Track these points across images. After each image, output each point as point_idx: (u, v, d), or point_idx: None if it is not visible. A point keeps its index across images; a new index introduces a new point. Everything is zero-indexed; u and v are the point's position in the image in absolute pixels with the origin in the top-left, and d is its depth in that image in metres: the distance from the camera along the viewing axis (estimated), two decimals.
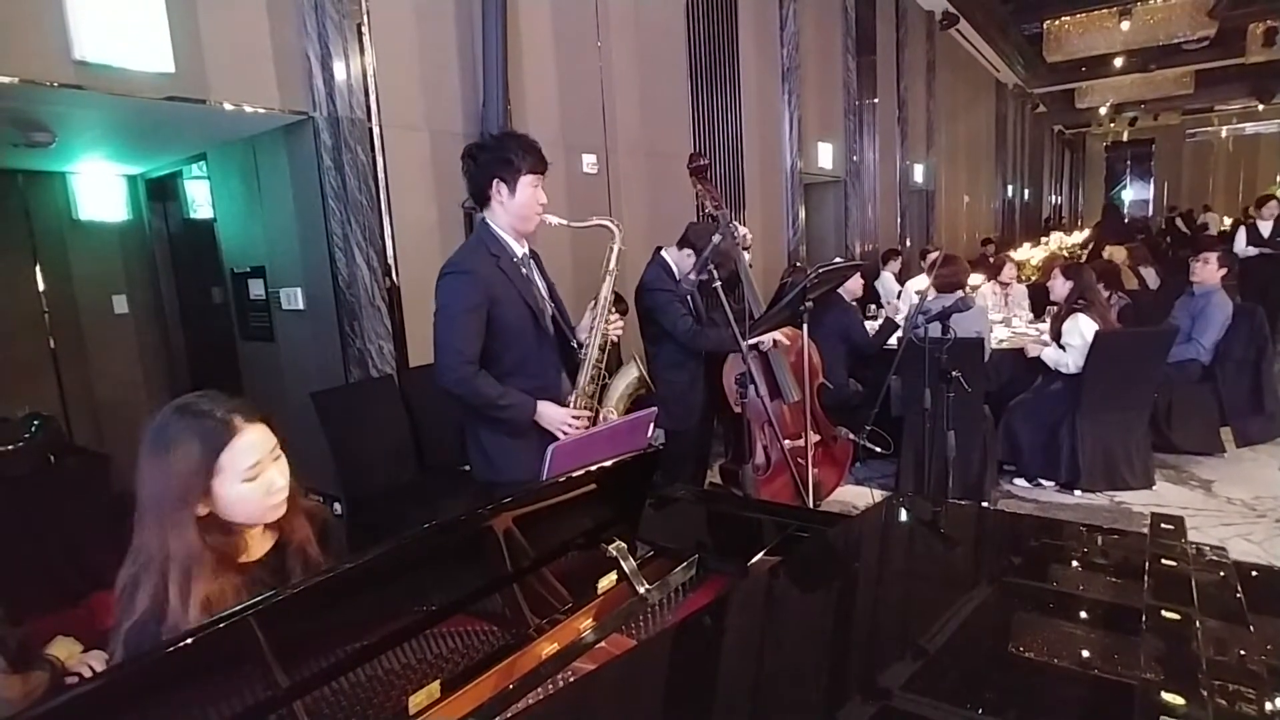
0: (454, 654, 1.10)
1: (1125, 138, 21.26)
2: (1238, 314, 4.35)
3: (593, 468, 1.26)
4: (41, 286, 4.27)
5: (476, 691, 1.07)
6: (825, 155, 7.35)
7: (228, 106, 2.99)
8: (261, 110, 3.11)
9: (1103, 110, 17.18)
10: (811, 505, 3.00)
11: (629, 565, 1.32)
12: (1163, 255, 10.18)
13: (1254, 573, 1.15)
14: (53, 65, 2.46)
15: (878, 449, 3.70)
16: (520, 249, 2.12)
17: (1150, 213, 20.24)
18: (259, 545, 1.26)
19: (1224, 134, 19.65)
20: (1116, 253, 7.16)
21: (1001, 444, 3.94)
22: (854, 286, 4.41)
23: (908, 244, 9.14)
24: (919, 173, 9.68)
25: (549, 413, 2.06)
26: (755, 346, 3.15)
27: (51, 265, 4.31)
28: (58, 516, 2.92)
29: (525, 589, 1.22)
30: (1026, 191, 16.83)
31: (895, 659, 0.99)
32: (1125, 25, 10.80)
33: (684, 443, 3.15)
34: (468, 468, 2.21)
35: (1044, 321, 4.93)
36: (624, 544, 1.34)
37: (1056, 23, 11.32)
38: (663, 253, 3.15)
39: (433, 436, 3.44)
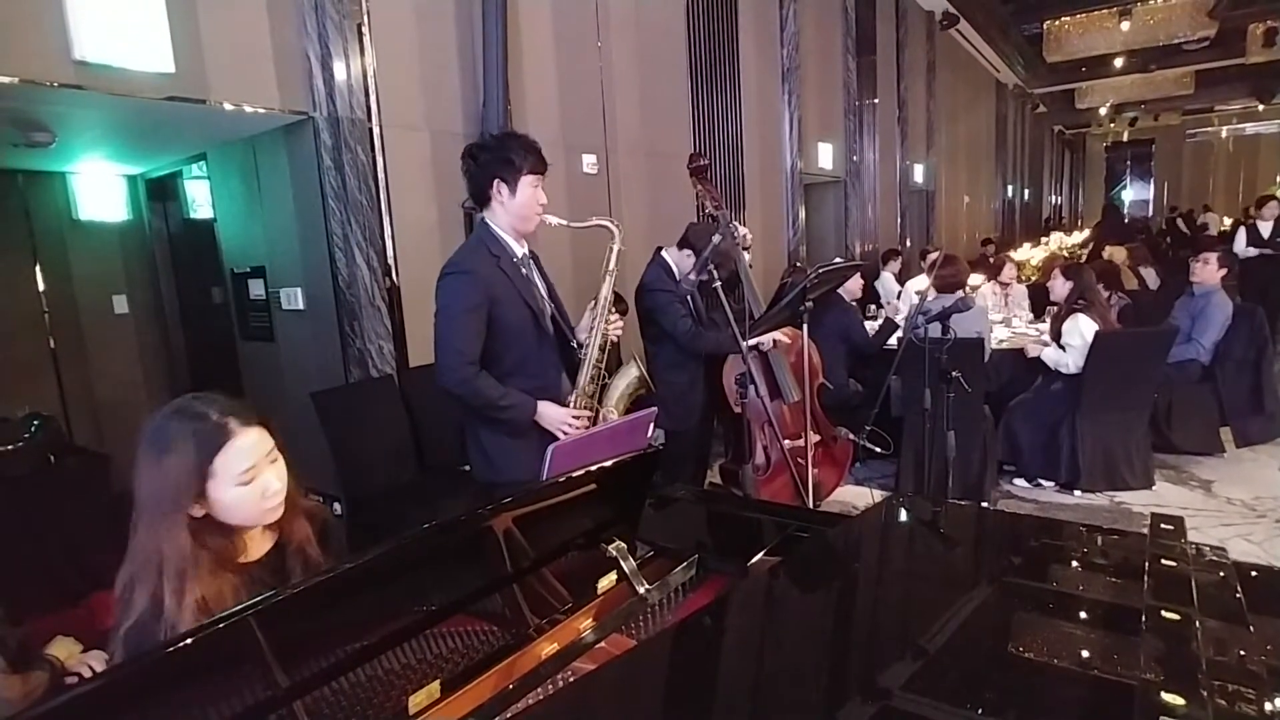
0: (454, 654, 1.10)
1: (1125, 138, 21.27)
2: (1238, 314, 4.35)
3: (593, 468, 1.26)
4: (41, 286, 4.27)
5: (476, 691, 1.07)
6: (825, 155, 7.35)
7: (228, 106, 2.99)
8: (261, 110, 3.11)
9: (1103, 110, 17.18)
10: (811, 505, 3.00)
11: (629, 565, 1.32)
12: (1163, 255, 10.18)
13: (1254, 573, 1.15)
14: (53, 65, 2.46)
15: (878, 449, 3.70)
16: (520, 249, 2.12)
17: (1150, 213, 20.25)
18: (258, 545, 1.26)
19: (1224, 134, 19.65)
20: (1116, 253, 7.16)
21: (1001, 444, 3.94)
22: (854, 287, 4.41)
23: (908, 244, 9.14)
24: (919, 173, 9.68)
25: (549, 413, 2.06)
26: (755, 347, 3.15)
27: (51, 265, 4.31)
28: (58, 516, 2.92)
29: (525, 589, 1.22)
30: (1026, 192, 16.83)
31: (895, 659, 0.99)
32: (1125, 26, 10.80)
33: (684, 443, 3.15)
34: (468, 468, 2.21)
35: (1044, 322, 4.93)
36: (624, 544, 1.34)
37: (1056, 23, 11.32)
38: (663, 253, 3.15)
39: (433, 436, 3.44)
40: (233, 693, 0.86)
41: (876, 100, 8.11)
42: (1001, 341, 4.55)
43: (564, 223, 2.20)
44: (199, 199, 4.50)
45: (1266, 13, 10.43)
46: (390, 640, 1.02)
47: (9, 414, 3.21)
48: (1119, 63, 12.74)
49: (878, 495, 3.96)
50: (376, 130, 3.42)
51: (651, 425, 2.05)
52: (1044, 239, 12.34)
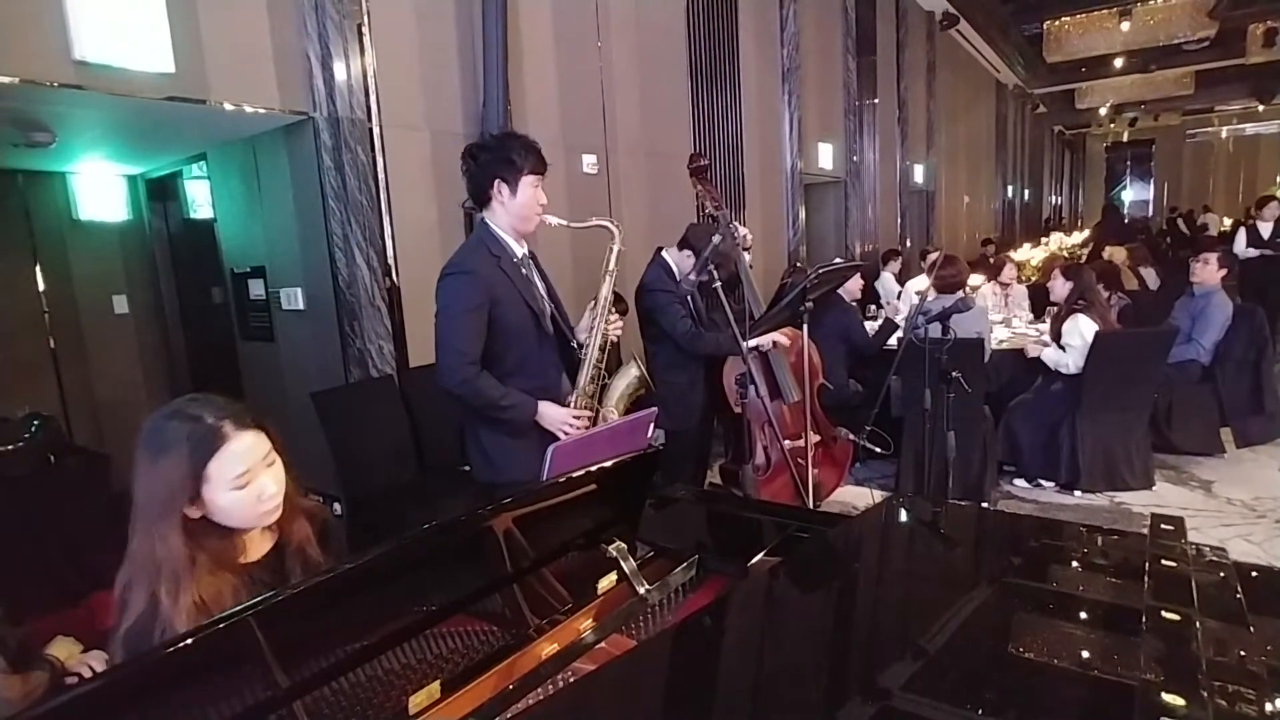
0: (454, 654, 1.10)
1: (1125, 138, 21.26)
2: (1238, 314, 4.35)
3: (593, 468, 1.26)
4: (41, 286, 4.27)
5: (476, 692, 1.07)
6: (825, 156, 7.35)
7: (228, 106, 2.99)
8: (262, 110, 3.11)
9: (1103, 111, 17.18)
10: (811, 506, 3.00)
11: (629, 565, 1.32)
12: (1163, 256, 10.19)
13: (1254, 573, 1.15)
14: (53, 65, 2.46)
15: (878, 449, 3.70)
16: (520, 249, 2.12)
17: (1150, 213, 20.25)
18: (258, 546, 1.26)
19: (1224, 134, 19.66)
20: (1116, 253, 7.16)
21: (1001, 444, 3.94)
22: (854, 287, 4.41)
23: (908, 244, 9.14)
24: (919, 173, 9.68)
25: (550, 413, 2.06)
26: (754, 349, 3.15)
27: (51, 265, 4.31)
28: (58, 516, 2.92)
29: (525, 589, 1.22)
30: (1026, 192, 16.84)
31: (895, 659, 0.99)
32: (1125, 26, 10.80)
33: (684, 443, 3.15)
34: (468, 468, 2.21)
35: (1044, 322, 4.93)
36: (624, 544, 1.34)
37: (1057, 23, 11.32)
38: (664, 253, 3.15)
39: (433, 436, 3.44)
40: (233, 693, 0.86)
41: (876, 100, 8.11)
42: (1001, 342, 4.55)
43: (564, 223, 2.20)
44: (199, 199, 4.50)
45: (1266, 13, 10.43)
46: (390, 640, 1.02)
47: (9, 414, 3.21)
48: (1119, 63, 12.75)
49: (878, 495, 3.96)
50: (376, 130, 3.42)
51: (651, 425, 2.05)
52: (1044, 239, 12.35)
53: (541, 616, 1.22)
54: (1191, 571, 1.06)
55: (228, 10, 2.94)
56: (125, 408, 4.49)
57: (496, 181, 2.04)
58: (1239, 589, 1.04)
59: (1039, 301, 5.75)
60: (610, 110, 4.70)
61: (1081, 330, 3.73)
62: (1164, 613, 0.95)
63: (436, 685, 1.03)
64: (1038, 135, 17.85)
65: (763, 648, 1.07)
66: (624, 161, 4.82)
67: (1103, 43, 11.31)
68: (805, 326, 3.09)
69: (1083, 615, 1.07)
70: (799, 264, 6.32)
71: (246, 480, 1.17)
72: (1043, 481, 3.96)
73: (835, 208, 7.91)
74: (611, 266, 2.17)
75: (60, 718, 0.75)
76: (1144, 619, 0.94)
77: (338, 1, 3.20)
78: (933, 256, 5.29)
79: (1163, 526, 1.21)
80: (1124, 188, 21.90)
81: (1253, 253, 7.16)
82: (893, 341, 4.15)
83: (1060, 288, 3.98)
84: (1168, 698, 0.77)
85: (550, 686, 1.09)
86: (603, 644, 1.20)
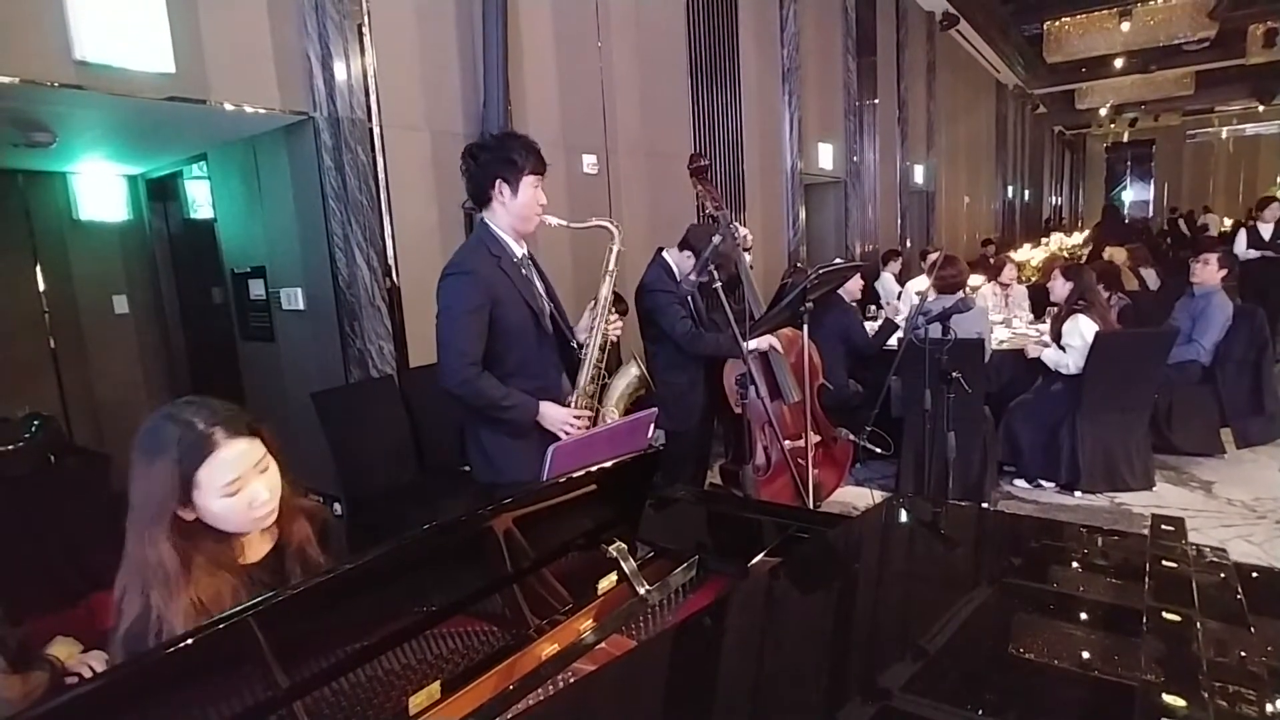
0: (454, 655, 1.10)
1: (1125, 139, 21.26)
2: (1238, 315, 4.35)
3: (593, 468, 1.26)
4: (42, 286, 4.27)
5: (477, 692, 1.07)
6: (825, 156, 7.36)
7: (228, 107, 2.99)
8: (262, 110, 3.11)
9: (1103, 111, 17.18)
10: (812, 506, 3.00)
11: (629, 566, 1.32)
12: (1163, 256, 10.18)
13: (1254, 574, 1.15)
14: (53, 65, 2.46)
15: (878, 450, 3.70)
16: (520, 250, 2.12)
17: (1150, 214, 20.25)
18: (257, 548, 1.26)
19: (1224, 135, 19.65)
20: (1117, 254, 7.16)
21: (1002, 445, 3.94)
22: (854, 287, 4.41)
23: (908, 245, 9.14)
24: (919, 173, 9.69)
25: (551, 413, 2.06)
26: (753, 351, 3.15)
27: (52, 265, 4.31)
28: (58, 516, 2.92)
29: (525, 590, 1.22)
30: (1027, 192, 16.84)
31: (895, 660, 0.99)
32: (1125, 26, 10.80)
33: (684, 443, 3.15)
34: (468, 468, 2.21)
35: (1044, 322, 4.92)
36: (624, 545, 1.34)
37: (1057, 24, 11.32)
38: (664, 254, 3.15)
39: (433, 437, 3.43)
40: (233, 693, 0.86)
41: (877, 101, 8.11)
42: (1002, 342, 4.55)
43: (564, 223, 2.20)
44: (199, 199, 4.50)
45: (1267, 13, 10.43)
46: (390, 641, 1.02)
47: (9, 414, 3.21)
48: (1119, 63, 12.75)
49: (878, 496, 3.95)
50: (377, 130, 3.42)
51: (651, 426, 2.05)
52: (1044, 240, 12.34)
53: (542, 617, 1.22)
54: (1192, 572, 1.06)
55: (228, 10, 2.94)
56: (125, 408, 4.49)
57: (497, 181, 2.04)
58: (1239, 590, 1.04)
59: (1039, 302, 5.75)
60: (610, 110, 4.70)
61: (1082, 331, 3.73)
62: (1165, 613, 0.95)
63: (437, 686, 1.03)
64: (1038, 135, 17.85)
65: (763, 648, 1.07)
66: (624, 161, 4.82)
67: (1103, 43, 11.31)
68: (805, 327, 3.09)
69: (1083, 616, 1.07)
70: (799, 264, 6.32)
71: (237, 488, 1.16)
72: (1043, 482, 3.96)
73: (835, 208, 7.92)
74: (611, 266, 2.17)
75: (60, 718, 0.75)
76: (1144, 620, 0.94)
77: (338, 1, 3.20)
78: (933, 257, 5.29)
79: (1163, 527, 1.21)
80: (1124, 188, 21.90)
81: (1253, 254, 7.15)
82: (893, 342, 4.15)
83: (1060, 288, 3.98)
84: (1168, 698, 0.77)
85: (550, 687, 1.09)
86: (603, 644, 1.20)
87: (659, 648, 1.11)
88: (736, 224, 3.48)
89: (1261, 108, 16.66)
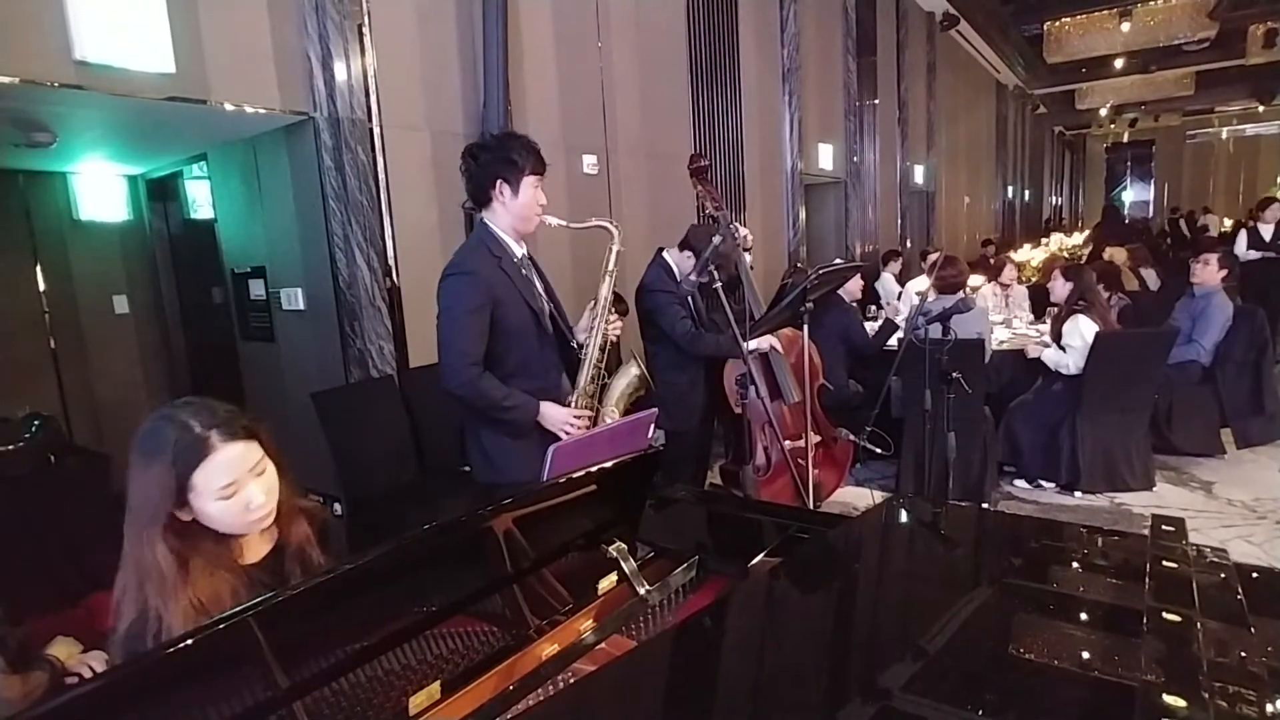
0: (454, 655, 1.10)
1: (1125, 139, 21.26)
2: (1238, 315, 4.35)
3: (593, 469, 1.26)
4: (42, 286, 4.27)
5: (477, 692, 1.07)
6: (826, 156, 7.36)
7: (228, 107, 2.99)
8: (262, 110, 3.11)
9: (1103, 111, 17.18)
10: (812, 506, 3.00)
11: (629, 566, 1.32)
12: (1163, 256, 10.18)
13: (1255, 574, 1.15)
14: (53, 65, 2.46)
15: (878, 450, 3.70)
16: (520, 250, 2.12)
17: (1150, 214, 20.25)
18: (257, 548, 1.26)
19: (1224, 135, 19.64)
20: (1117, 254, 7.16)
21: (1002, 445, 3.94)
22: (854, 288, 4.41)
23: (908, 245, 9.14)
24: (919, 174, 9.69)
25: (552, 413, 2.06)
26: (753, 352, 3.15)
27: (52, 265, 4.31)
28: (58, 516, 2.92)
29: (525, 590, 1.22)
30: (1027, 193, 16.84)
31: (895, 660, 0.99)
32: (1125, 26, 10.80)
33: (684, 443, 3.15)
34: (468, 468, 2.21)
35: (1044, 323, 4.93)
36: (624, 545, 1.34)
37: (1057, 24, 11.32)
38: (664, 254, 3.15)
39: (433, 437, 3.43)
40: (233, 693, 0.86)
41: (877, 101, 8.11)
42: (1002, 342, 4.55)
43: (564, 223, 2.20)
44: (199, 199, 4.50)
45: (1267, 14, 10.42)
46: (390, 641, 1.02)
47: (9, 414, 3.21)
48: (1119, 64, 12.75)
49: (878, 496, 3.95)
50: (377, 130, 3.42)
51: (651, 426, 2.05)
52: (1044, 240, 12.33)
53: (542, 617, 1.22)
54: (1192, 573, 1.06)
55: (228, 10, 2.94)
56: (125, 408, 4.49)
57: (498, 182, 2.04)
58: (1240, 590, 1.04)
59: (1039, 302, 5.75)
60: (610, 110, 4.70)
61: (1082, 331, 3.73)
62: (1165, 614, 0.95)
63: (437, 686, 1.03)
64: (1038, 136, 17.85)
65: (763, 648, 1.06)
66: (624, 162, 4.82)
67: (1103, 43, 11.31)
68: (805, 327, 3.09)
69: (1083, 616, 1.07)
70: (799, 264, 6.32)
71: (233, 491, 1.16)
72: (1043, 482, 3.96)
73: (835, 208, 7.92)
74: (611, 267, 2.17)
75: (60, 718, 0.75)
76: (1145, 620, 0.93)
77: (338, 1, 3.20)
78: (933, 257, 5.29)
79: (1163, 528, 1.21)
80: (1124, 188, 21.90)
81: (1254, 255, 7.15)
82: (893, 342, 4.15)
83: (1060, 288, 3.98)
84: (1169, 699, 0.77)
85: (550, 687, 1.09)
86: (603, 645, 1.20)
87: (659, 648, 1.11)
88: (736, 224, 3.48)
89: (1261, 108, 16.66)
